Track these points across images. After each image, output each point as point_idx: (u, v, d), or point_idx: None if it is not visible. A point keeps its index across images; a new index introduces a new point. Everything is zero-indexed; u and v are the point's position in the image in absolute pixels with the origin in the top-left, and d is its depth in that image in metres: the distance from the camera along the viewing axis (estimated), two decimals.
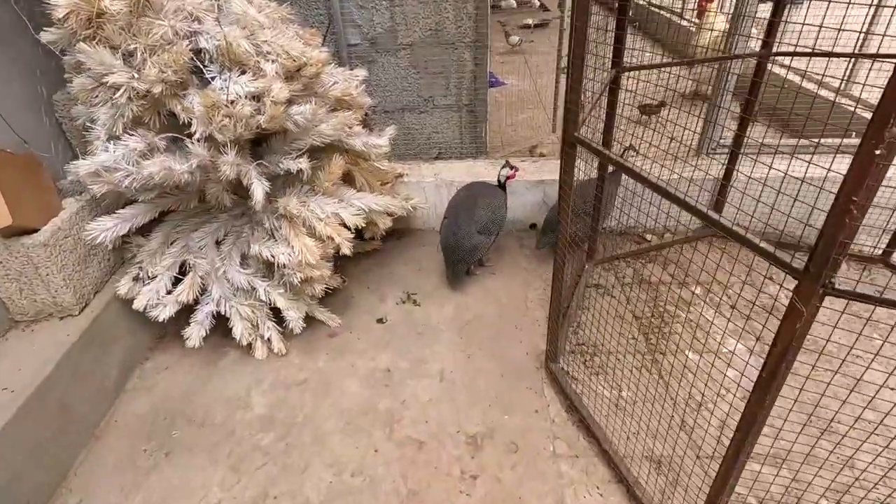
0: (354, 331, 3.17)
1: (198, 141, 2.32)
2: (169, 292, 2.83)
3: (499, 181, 3.53)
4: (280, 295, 2.82)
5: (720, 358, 2.82)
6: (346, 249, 2.72)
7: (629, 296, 3.32)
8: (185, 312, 2.89)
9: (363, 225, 2.79)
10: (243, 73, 2.40)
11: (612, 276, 3.52)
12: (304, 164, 2.55)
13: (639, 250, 3.69)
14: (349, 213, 2.76)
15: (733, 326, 2.99)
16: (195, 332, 2.81)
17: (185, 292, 2.77)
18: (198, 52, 2.43)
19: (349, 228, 2.77)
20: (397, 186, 3.91)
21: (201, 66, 2.38)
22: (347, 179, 3.27)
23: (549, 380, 2.79)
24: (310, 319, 3.09)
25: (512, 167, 3.50)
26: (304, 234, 2.66)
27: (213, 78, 2.41)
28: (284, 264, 2.67)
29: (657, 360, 2.86)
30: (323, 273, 2.81)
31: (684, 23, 7.37)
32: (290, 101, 2.56)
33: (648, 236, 3.85)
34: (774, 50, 3.04)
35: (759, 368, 1.41)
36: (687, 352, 2.88)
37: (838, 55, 2.50)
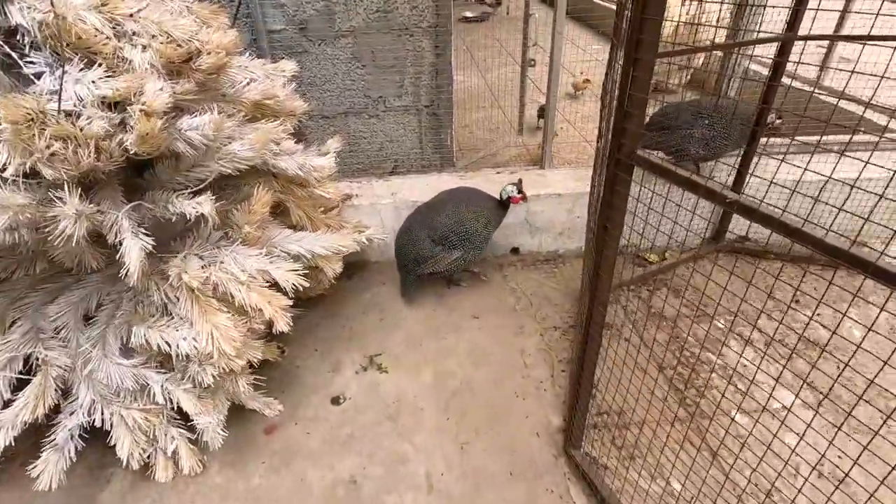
0: (302, 420, 2.28)
1: (11, 181, 1.35)
2: (6, 405, 1.82)
3: (501, 199, 2.78)
4: (186, 393, 1.88)
5: (775, 416, 2.22)
6: (283, 325, 1.83)
7: (643, 336, 2.65)
8: (39, 432, 1.88)
9: (304, 284, 1.91)
10: (93, 65, 1.46)
11: (618, 310, 2.84)
12: (205, 205, 1.63)
13: (644, 276, 3.04)
14: (283, 269, 1.86)
15: (777, 369, 2.40)
16: (51, 466, 1.81)
17: (30, 405, 1.77)
18: (10, 32, 1.46)
19: (285, 292, 1.88)
20: (345, 212, 3.02)
21: (13, 56, 1.41)
22: (278, 212, 2.36)
23: (573, 474, 2.05)
24: (237, 409, 2.17)
25: (520, 191, 2.74)
26: (217, 309, 1.74)
27: (38, 75, 1.45)
28: (188, 355, 1.74)
29: (701, 429, 2.20)
30: (252, 357, 1.91)
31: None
32: (178, 110, 1.64)
33: (649, 256, 3.22)
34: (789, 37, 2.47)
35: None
36: (733, 412, 2.24)
37: (861, 39, 1.93)
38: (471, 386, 2.42)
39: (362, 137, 3.19)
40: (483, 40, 7.29)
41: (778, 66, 2.54)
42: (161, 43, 1.55)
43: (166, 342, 1.71)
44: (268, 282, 1.88)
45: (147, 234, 1.61)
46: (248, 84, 1.97)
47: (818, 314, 2.76)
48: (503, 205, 2.79)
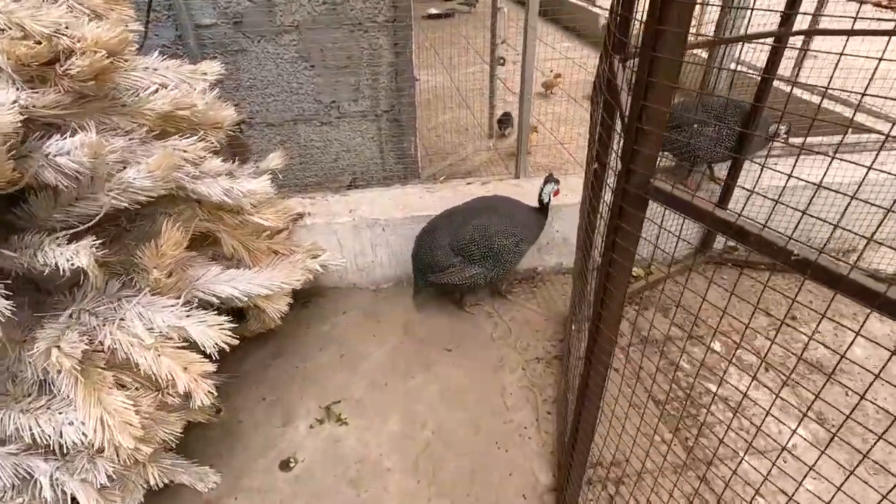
0: (245, 492, 1.88)
1: None
2: None
3: (541, 202, 2.48)
4: (83, 484, 1.46)
5: (788, 451, 1.96)
6: (203, 396, 1.43)
7: (634, 365, 2.35)
8: None
9: (234, 340, 1.51)
10: None
11: None
12: (82, 255, 1.21)
13: (630, 294, 2.75)
14: (204, 325, 1.46)
15: (782, 398, 2.14)
16: None
17: None
18: None
19: (208, 355, 1.48)
20: (296, 233, 2.62)
21: None
22: (206, 243, 1.95)
23: None
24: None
25: (556, 180, 2.45)
26: (110, 386, 1.33)
27: None
28: (75, 444, 1.33)
29: (708, 479, 1.91)
30: (167, 435, 1.50)
31: (596, 10, 6.68)
32: (49, 127, 1.22)
33: (634, 270, 2.93)
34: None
35: None
36: (741, 454, 1.97)
37: (865, 33, 1.67)
38: (444, 436, 2.07)
39: (314, 147, 2.78)
40: (449, 37, 6.93)
41: (773, 61, 2.27)
42: (11, 39, 1.13)
43: (42, 431, 1.29)
44: (186, 340, 1.47)
45: (6, 294, 1.19)
46: (153, 93, 1.56)
47: (817, 331, 2.52)
48: (543, 210, 2.49)
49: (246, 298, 1.75)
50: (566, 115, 4.42)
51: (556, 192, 2.49)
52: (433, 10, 8.29)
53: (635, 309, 2.70)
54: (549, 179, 2.44)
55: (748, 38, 2.24)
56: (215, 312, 1.53)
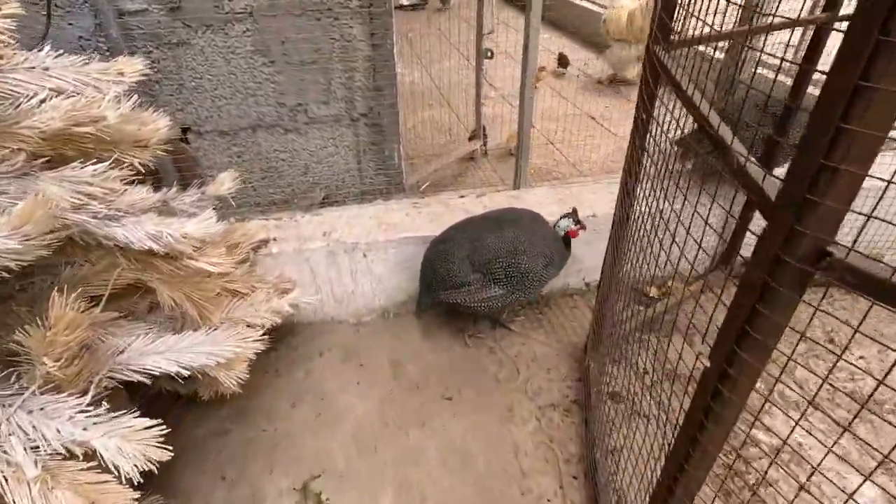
0: None
1: None
2: None
3: (557, 233, 2.13)
4: None
5: None
6: None
7: (667, 410, 2.01)
8: None
9: (166, 455, 1.07)
10: None
11: (625, 371, 2.18)
12: None
13: (650, 319, 2.40)
14: (116, 438, 1.01)
15: (843, 445, 1.83)
16: None
17: None
18: None
19: (132, 483, 1.03)
20: (260, 264, 2.17)
21: None
22: (139, 294, 1.49)
23: None
24: None
25: (577, 221, 2.11)
26: None
27: None
28: None
29: None
30: None
31: (593, 6, 6.32)
32: None
33: (649, 290, 2.59)
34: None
35: None
36: None
37: None
38: None
39: (279, 159, 2.32)
40: (425, 29, 6.47)
41: (815, 51, 1.93)
42: None
43: None
44: (98, 471, 1.02)
45: None
46: (41, 102, 1.09)
47: (860, 356, 2.23)
48: (565, 241, 2.14)
49: (188, 373, 1.30)
50: (553, 111, 4.05)
51: (575, 233, 2.11)
52: (403, 1, 7.79)
53: (657, 337, 2.35)
54: (568, 215, 2.09)
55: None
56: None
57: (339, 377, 2.15)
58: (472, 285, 2.01)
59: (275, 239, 2.22)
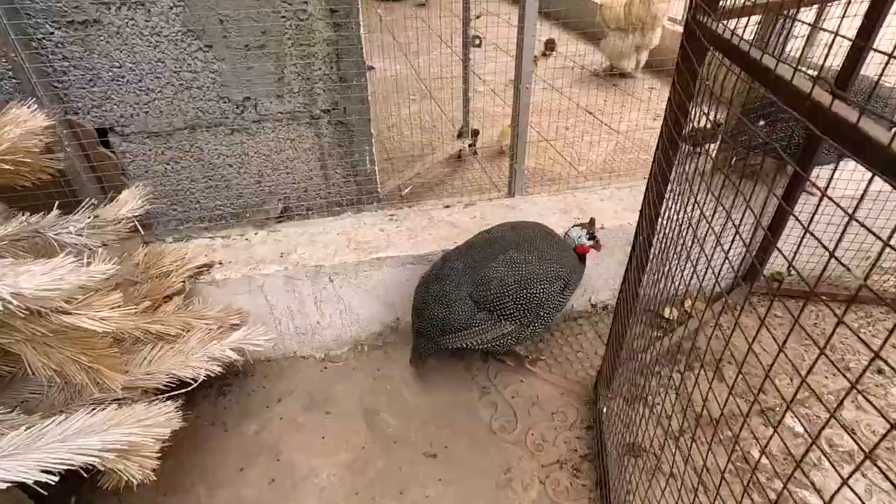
0: None
1: None
2: None
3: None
4: None
5: None
6: None
7: (697, 467, 1.65)
8: None
9: None
10: None
11: (645, 414, 1.82)
12: None
13: (669, 349, 2.04)
14: None
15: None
16: None
17: None
18: None
19: None
20: (199, 294, 1.77)
21: None
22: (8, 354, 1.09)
23: None
24: None
25: (593, 236, 1.75)
26: None
27: None
28: None
29: None
30: None
31: None
32: None
33: (665, 312, 2.24)
34: None
35: None
36: None
37: None
38: None
39: (225, 165, 1.92)
40: (405, 21, 6.04)
41: (875, 23, 1.57)
42: None
43: None
44: None
45: None
46: None
47: None
48: (579, 257, 1.77)
49: (56, 476, 0.91)
50: (545, 105, 3.68)
51: (588, 249, 1.76)
52: None
53: (678, 370, 2.00)
54: (582, 226, 1.76)
55: None
56: None
57: (301, 431, 1.77)
58: (480, 325, 1.65)
59: (220, 263, 1.82)
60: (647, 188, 1.38)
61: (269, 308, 1.88)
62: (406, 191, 2.70)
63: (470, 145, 3.10)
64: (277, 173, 1.97)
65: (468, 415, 1.82)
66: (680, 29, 4.52)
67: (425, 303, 1.69)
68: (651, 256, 1.39)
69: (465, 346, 1.68)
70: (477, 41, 2.95)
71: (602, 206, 2.10)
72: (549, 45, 4.73)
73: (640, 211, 1.42)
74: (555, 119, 3.49)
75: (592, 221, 1.76)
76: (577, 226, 1.75)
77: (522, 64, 1.88)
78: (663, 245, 1.38)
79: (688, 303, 2.27)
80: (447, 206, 2.11)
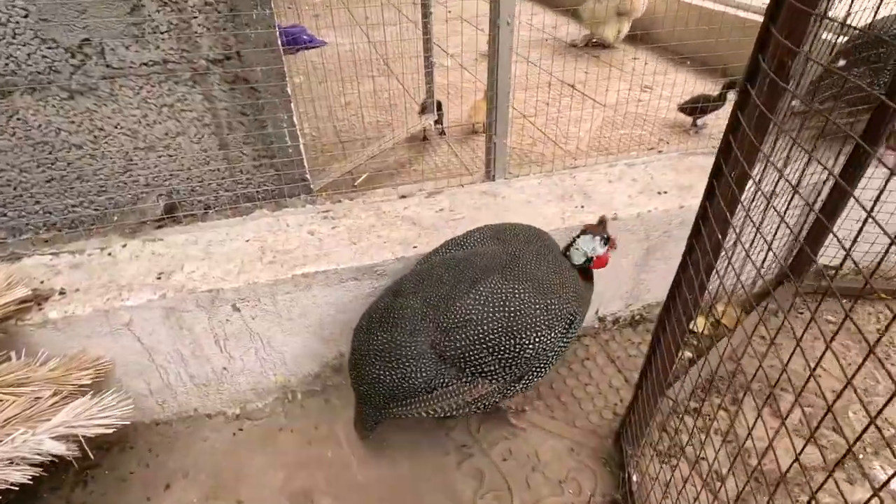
0: None
1: None
2: None
3: (572, 260, 1.21)
4: None
5: None
6: None
7: None
8: None
9: None
10: None
11: (686, 469, 1.30)
12: None
13: (706, 380, 1.53)
14: None
15: None
16: None
17: None
18: None
19: None
20: (24, 343, 1.15)
21: None
22: None
23: None
24: None
25: (608, 239, 1.19)
26: None
27: None
28: None
29: None
30: None
31: None
32: None
33: (695, 324, 1.72)
34: None
35: None
36: None
37: None
38: None
39: (70, 146, 1.28)
40: None
41: None
42: None
43: None
44: None
45: None
46: None
47: None
48: (583, 271, 1.22)
49: None
50: (520, 80, 3.12)
51: (605, 261, 1.20)
52: None
53: (721, 405, 1.48)
54: (592, 232, 1.20)
55: None
56: None
57: None
58: (446, 386, 1.09)
59: (61, 292, 1.20)
60: (718, 161, 0.84)
61: (147, 354, 1.27)
62: (360, 179, 2.12)
63: (436, 122, 2.53)
64: (154, 156, 1.35)
65: (443, 491, 1.26)
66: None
67: (366, 357, 1.12)
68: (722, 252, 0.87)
69: (429, 414, 1.12)
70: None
71: (611, 190, 1.56)
72: None
73: (708, 193, 0.89)
74: (533, 94, 2.94)
75: (603, 223, 1.20)
76: (585, 234, 1.18)
77: (499, 5, 1.31)
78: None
79: (720, 308, 1.77)
80: (403, 197, 1.53)
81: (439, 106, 2.50)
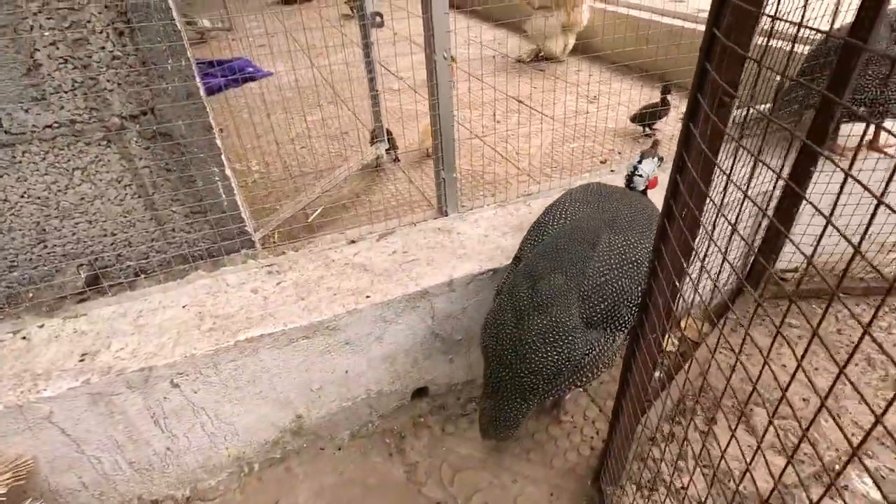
0: None
1: None
2: None
3: (629, 183, 1.33)
4: None
5: None
6: None
7: None
8: None
9: None
10: None
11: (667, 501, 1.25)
12: None
13: (697, 399, 1.49)
14: None
15: None
16: None
17: None
18: None
19: None
20: None
21: None
22: None
23: None
24: None
25: (657, 155, 1.33)
26: None
27: None
28: None
29: None
30: None
31: None
32: None
33: (666, 343, 1.69)
34: None
35: None
36: None
37: None
38: None
39: None
40: (308, 22, 5.27)
41: None
42: None
43: None
44: None
45: None
46: None
47: None
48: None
49: None
50: (465, 95, 3.10)
51: (656, 181, 1.36)
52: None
53: (701, 429, 1.44)
54: (649, 155, 1.33)
55: None
56: None
57: None
58: (593, 350, 1.12)
59: None
60: (677, 166, 0.80)
61: (75, 445, 1.13)
62: (314, 215, 2.02)
63: (388, 150, 2.45)
64: (70, 224, 1.21)
65: None
66: (605, 7, 4.12)
67: (526, 346, 1.09)
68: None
69: (574, 388, 1.20)
70: (378, 19, 2.30)
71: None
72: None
73: (668, 198, 0.84)
74: (482, 112, 2.91)
75: (657, 143, 1.46)
76: (645, 158, 1.30)
77: (434, 21, 1.25)
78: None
79: (682, 323, 1.75)
80: (353, 242, 1.44)
81: (389, 133, 2.43)
